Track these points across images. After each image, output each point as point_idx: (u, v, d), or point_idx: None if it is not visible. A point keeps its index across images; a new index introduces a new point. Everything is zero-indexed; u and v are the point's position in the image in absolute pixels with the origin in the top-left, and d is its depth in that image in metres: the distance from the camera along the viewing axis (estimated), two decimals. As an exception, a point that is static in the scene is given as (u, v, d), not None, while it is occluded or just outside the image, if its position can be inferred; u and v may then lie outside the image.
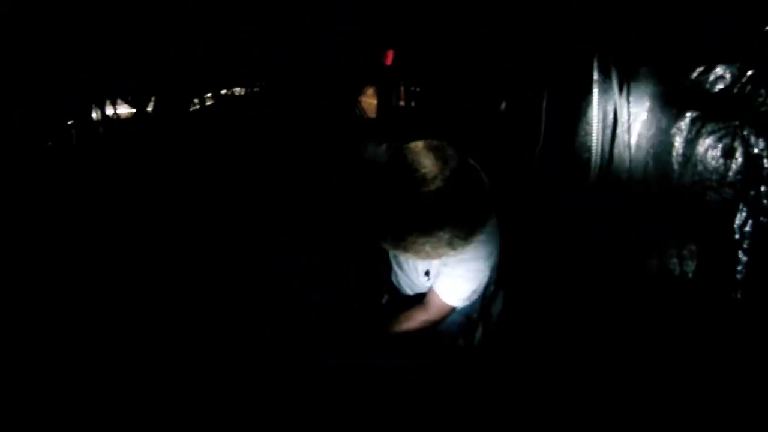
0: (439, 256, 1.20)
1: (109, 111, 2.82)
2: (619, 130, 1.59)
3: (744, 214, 1.23)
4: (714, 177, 1.31)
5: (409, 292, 1.71)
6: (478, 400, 1.56)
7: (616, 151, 1.61)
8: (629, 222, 1.54)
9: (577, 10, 1.67)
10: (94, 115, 2.60)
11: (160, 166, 2.53)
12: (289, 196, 2.33)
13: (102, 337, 1.63)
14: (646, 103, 1.53)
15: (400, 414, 1.48)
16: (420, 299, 1.56)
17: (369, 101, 2.98)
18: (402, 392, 1.52)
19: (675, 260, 1.41)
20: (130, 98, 2.69)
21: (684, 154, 1.39)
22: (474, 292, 1.47)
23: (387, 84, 2.27)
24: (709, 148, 1.33)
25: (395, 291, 1.79)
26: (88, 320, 1.66)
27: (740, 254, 1.24)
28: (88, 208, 1.98)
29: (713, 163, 1.32)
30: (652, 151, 1.50)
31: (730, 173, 1.28)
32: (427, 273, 1.56)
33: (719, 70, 1.33)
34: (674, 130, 1.42)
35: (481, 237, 1.27)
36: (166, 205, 2.36)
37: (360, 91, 3.01)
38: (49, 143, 1.99)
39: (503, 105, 2.11)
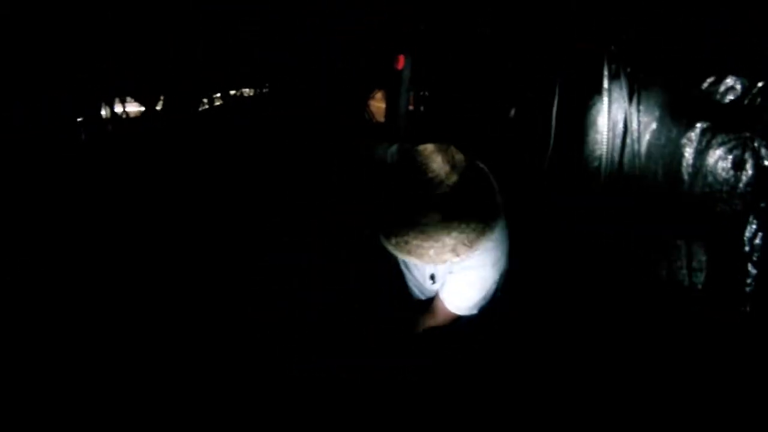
0: (443, 261, 1.19)
1: (118, 109, 2.84)
2: (628, 140, 1.58)
3: (754, 226, 1.23)
4: (724, 188, 1.31)
5: (418, 293, 1.70)
6: (480, 401, 1.55)
7: (625, 160, 1.61)
8: (638, 231, 1.54)
9: (587, 12, 1.68)
10: (103, 112, 2.63)
11: (163, 165, 2.55)
12: (289, 196, 2.33)
13: (102, 336, 1.63)
14: (656, 113, 1.52)
15: (400, 414, 1.47)
16: (427, 305, 1.55)
17: (378, 105, 2.98)
18: (402, 392, 1.50)
19: (684, 271, 1.41)
20: (139, 97, 2.72)
21: (694, 165, 1.39)
22: (481, 300, 1.44)
23: (398, 88, 2.28)
24: (719, 160, 1.33)
25: (404, 293, 1.78)
26: (88, 320, 1.66)
27: (750, 266, 1.23)
28: (91, 206, 1.98)
29: (723, 174, 1.32)
30: (661, 161, 1.50)
31: (740, 185, 1.28)
32: (432, 277, 1.54)
33: (730, 81, 1.33)
34: (684, 140, 1.42)
35: (487, 244, 1.25)
36: (167, 205, 2.37)
37: (368, 95, 3.02)
38: (53, 142, 1.99)
39: (512, 111, 2.11)
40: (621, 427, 1.46)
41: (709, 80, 1.38)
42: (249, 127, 3.40)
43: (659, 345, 1.47)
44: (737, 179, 1.28)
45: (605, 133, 1.61)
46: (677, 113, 1.46)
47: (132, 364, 1.55)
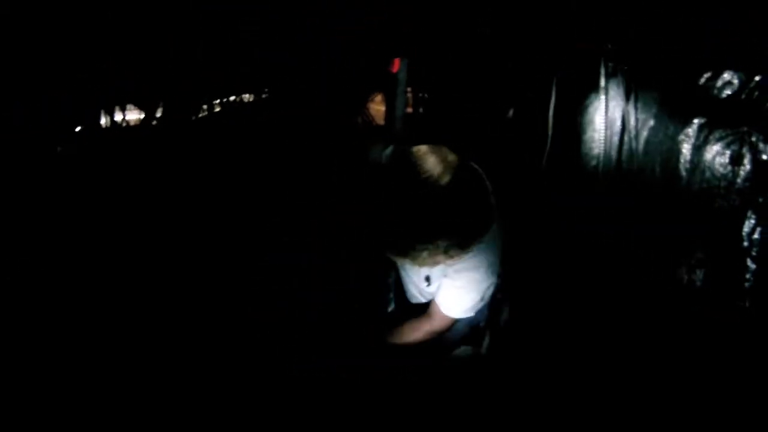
0: (436, 263, 1.19)
1: (118, 117, 2.85)
2: (626, 137, 1.58)
3: (752, 221, 1.22)
4: (722, 184, 1.31)
5: (416, 294, 1.70)
6: (480, 401, 1.54)
7: (623, 158, 1.60)
8: (637, 228, 1.53)
9: (583, 11, 1.68)
10: (103, 121, 2.64)
11: (163, 165, 2.56)
12: (289, 196, 2.33)
13: (102, 336, 1.62)
14: (654, 110, 1.52)
15: (400, 414, 1.47)
16: (425, 308, 1.55)
17: (377, 108, 2.98)
18: (402, 392, 1.50)
19: (683, 267, 1.40)
20: (139, 102, 2.73)
21: (692, 161, 1.39)
22: (476, 303, 1.44)
23: (394, 91, 2.27)
24: (716, 155, 1.33)
25: (403, 295, 1.78)
26: (88, 320, 1.66)
27: (749, 261, 1.22)
28: (91, 207, 1.99)
29: (721, 169, 1.31)
30: (659, 157, 1.49)
31: (738, 180, 1.27)
32: (427, 279, 1.54)
33: (727, 76, 1.32)
34: (682, 136, 1.42)
35: (480, 246, 1.24)
36: (167, 205, 2.37)
37: (367, 98, 3.02)
38: (55, 146, 2.00)
39: (510, 110, 2.11)
40: (621, 427, 1.45)
41: (706, 76, 1.38)
42: (249, 128, 3.42)
43: (659, 344, 1.46)
44: (735, 174, 1.28)
45: (603, 131, 1.61)
46: (674, 109, 1.46)
47: (132, 364, 1.55)
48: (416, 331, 1.53)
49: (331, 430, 1.43)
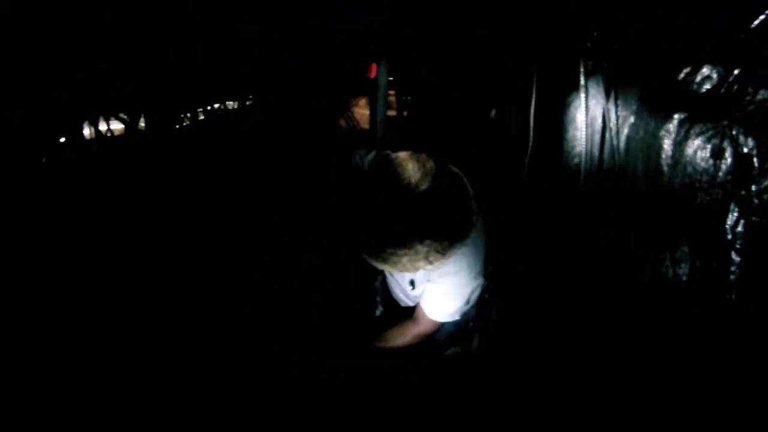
0: (416, 269, 1.19)
1: (102, 127, 2.83)
2: (607, 135, 1.58)
3: (735, 214, 1.21)
4: (704, 178, 1.30)
5: (402, 297, 1.70)
6: (479, 401, 1.54)
7: (605, 156, 1.60)
8: (621, 225, 1.52)
9: (560, 10, 1.68)
10: (86, 131, 2.61)
11: (163, 167, 2.55)
12: (289, 197, 2.34)
13: (102, 337, 1.63)
14: (634, 107, 1.52)
15: (399, 414, 1.47)
16: (412, 312, 1.55)
17: (362, 112, 2.98)
18: (402, 392, 1.51)
19: (668, 263, 1.39)
20: (122, 113, 2.70)
21: (673, 156, 1.38)
22: (461, 307, 1.45)
23: (374, 95, 2.27)
24: (698, 150, 1.32)
25: (390, 298, 1.78)
26: (88, 321, 1.66)
27: (733, 255, 1.21)
28: (92, 206, 1.99)
29: (703, 164, 1.30)
30: (641, 154, 1.49)
31: (720, 174, 1.26)
32: (412, 283, 1.55)
33: (706, 71, 1.32)
34: (663, 132, 1.41)
35: (463, 251, 1.26)
36: (168, 205, 2.37)
37: (351, 102, 3.02)
38: (40, 157, 1.99)
39: (492, 111, 2.10)
40: (621, 427, 1.44)
41: (686, 71, 1.37)
42: (248, 128, 3.42)
43: (653, 344, 1.44)
44: (717, 168, 1.27)
45: (584, 129, 1.61)
46: (655, 106, 1.46)
47: (132, 364, 1.55)
48: (403, 335, 1.53)
49: (331, 430, 1.43)
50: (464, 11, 2.12)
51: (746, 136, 1.21)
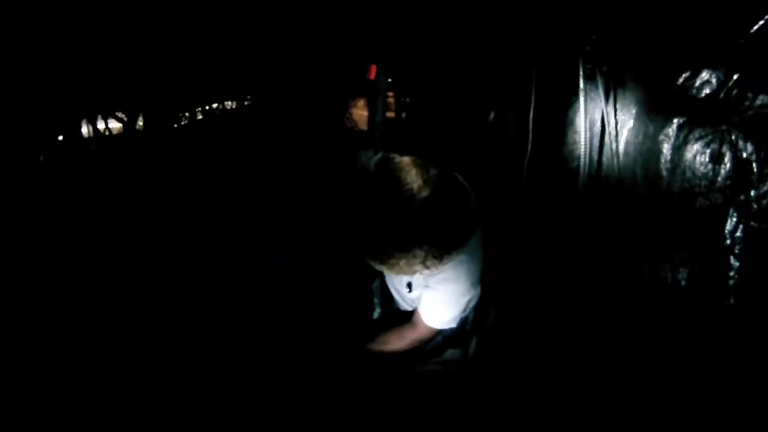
0: (413, 273, 1.21)
1: (100, 126, 2.82)
2: (606, 139, 1.58)
3: (734, 219, 1.21)
4: (703, 183, 1.30)
5: (399, 300, 1.71)
6: (479, 402, 1.54)
7: (604, 159, 1.60)
8: (620, 228, 1.52)
9: (559, 12, 1.67)
10: (84, 129, 2.60)
11: (154, 172, 2.55)
12: (289, 196, 2.34)
13: (102, 337, 1.62)
14: (633, 110, 1.52)
15: (399, 414, 1.48)
16: (409, 316, 1.55)
17: (360, 113, 2.98)
18: (402, 392, 1.52)
19: (667, 267, 1.38)
20: (120, 111, 2.69)
21: (672, 161, 1.38)
22: (457, 315, 1.46)
23: (373, 97, 2.27)
24: (697, 154, 1.32)
25: (388, 301, 1.78)
26: (88, 321, 1.65)
27: (732, 259, 1.21)
28: (82, 216, 1.98)
29: (702, 168, 1.30)
30: (640, 158, 1.49)
31: (719, 178, 1.26)
32: (409, 285, 1.56)
33: (705, 75, 1.32)
34: (662, 136, 1.41)
35: (461, 258, 1.28)
36: (168, 205, 2.37)
37: (350, 103, 3.02)
38: (42, 156, 1.99)
39: (491, 113, 2.10)
40: (621, 427, 1.44)
41: (685, 75, 1.37)
42: (248, 128, 3.42)
43: (653, 346, 1.44)
44: (716, 173, 1.27)
45: (583, 132, 1.60)
46: (654, 110, 1.46)
47: (132, 364, 1.54)
48: (401, 340, 1.53)
49: (331, 430, 1.43)
50: (464, 12, 2.12)
51: (745, 141, 1.21)
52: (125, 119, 2.71)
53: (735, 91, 1.25)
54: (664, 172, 1.39)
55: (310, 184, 2.17)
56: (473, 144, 2.12)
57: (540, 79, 1.76)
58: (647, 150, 1.45)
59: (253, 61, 2.66)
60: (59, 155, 2.18)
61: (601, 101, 1.56)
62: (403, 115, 2.84)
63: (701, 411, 1.28)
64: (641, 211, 1.47)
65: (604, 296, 1.59)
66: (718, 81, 1.29)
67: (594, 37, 1.58)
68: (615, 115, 1.55)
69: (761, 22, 1.17)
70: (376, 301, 1.85)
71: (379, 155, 1.52)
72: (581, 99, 1.60)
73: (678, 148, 1.36)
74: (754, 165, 1.19)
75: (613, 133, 1.54)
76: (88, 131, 2.66)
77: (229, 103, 3.56)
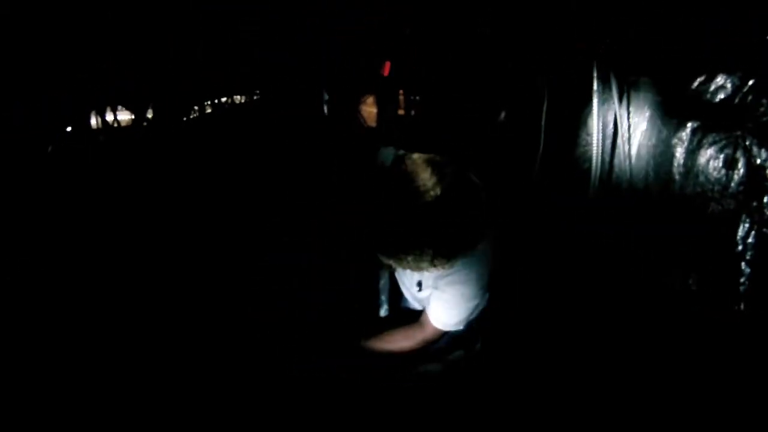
0: (421, 269, 1.22)
1: (109, 117, 2.83)
2: (619, 141, 1.57)
3: (747, 225, 1.21)
4: (716, 188, 1.30)
5: (409, 299, 1.72)
6: (479, 402, 1.54)
7: (616, 161, 1.59)
8: (630, 231, 1.52)
9: (575, 14, 1.67)
10: (93, 121, 2.61)
11: (162, 166, 2.55)
12: (289, 196, 2.34)
13: (102, 337, 1.62)
14: (647, 113, 1.51)
15: (399, 414, 1.48)
16: (417, 315, 1.56)
17: (369, 110, 2.98)
18: (402, 392, 1.51)
19: (678, 272, 1.39)
20: (129, 104, 2.70)
21: (685, 165, 1.38)
22: (465, 318, 1.47)
23: (386, 93, 2.27)
24: (710, 159, 1.32)
25: (395, 299, 1.79)
26: (88, 320, 1.66)
27: (743, 266, 1.21)
28: (85, 210, 1.98)
29: (715, 174, 1.30)
30: (652, 161, 1.48)
31: (733, 184, 1.26)
32: (419, 284, 1.56)
33: (720, 80, 1.31)
34: (675, 140, 1.41)
35: (471, 260, 1.29)
36: (167, 205, 2.37)
37: (360, 100, 3.02)
38: (50, 147, 1.99)
39: (503, 113, 2.10)
40: (621, 427, 1.44)
41: (700, 79, 1.37)
42: (248, 127, 3.41)
43: (657, 346, 1.45)
44: (729, 178, 1.27)
45: (595, 134, 1.60)
46: (667, 113, 1.45)
47: (132, 364, 1.55)
48: (408, 339, 1.54)
49: (331, 430, 1.43)
50: (476, 10, 2.11)
51: (759, 147, 1.21)
52: (134, 111, 2.72)
53: (750, 97, 1.25)
54: (677, 176, 1.39)
55: (311, 184, 2.17)
56: (483, 143, 2.12)
57: (553, 79, 1.75)
58: (660, 153, 1.45)
59: (259, 59, 2.67)
60: (68, 147, 2.19)
61: (614, 103, 1.56)
62: (412, 112, 2.84)
63: (702, 409, 1.29)
64: (652, 215, 1.47)
65: (613, 298, 1.59)
66: (733, 86, 1.29)
67: (608, 39, 1.58)
68: (628, 117, 1.55)
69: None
70: (383, 298, 1.85)
71: (397, 152, 1.52)
72: (594, 100, 1.59)
73: (691, 152, 1.36)
74: (767, 171, 1.19)
75: (626, 135, 1.54)
76: (97, 123, 2.67)
77: (238, 97, 3.56)
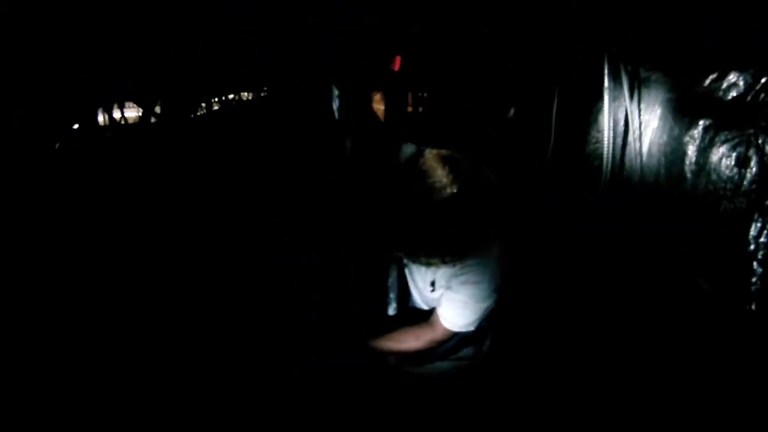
0: (430, 264, 1.25)
1: (117, 114, 2.83)
2: (630, 138, 1.57)
3: (759, 224, 1.21)
4: (728, 186, 1.29)
5: (418, 300, 1.70)
6: (480, 402, 1.55)
7: (627, 159, 1.59)
8: (641, 229, 1.52)
9: (587, 12, 1.66)
10: (101, 118, 2.62)
11: (163, 166, 2.55)
12: (289, 196, 2.34)
13: (102, 336, 1.62)
14: (658, 111, 1.51)
15: (399, 414, 1.48)
16: (426, 315, 1.56)
17: (376, 107, 2.97)
18: (402, 392, 1.52)
19: (689, 270, 1.38)
20: (137, 100, 2.70)
21: (697, 163, 1.37)
22: (476, 319, 1.46)
23: (395, 90, 2.27)
24: (722, 157, 1.31)
25: (404, 298, 1.78)
26: (88, 320, 1.66)
27: (755, 265, 1.21)
28: (90, 208, 1.99)
29: (727, 172, 1.30)
30: (664, 159, 1.48)
31: (745, 182, 1.25)
32: (432, 284, 1.55)
33: (732, 78, 1.31)
34: (686, 138, 1.40)
35: (483, 261, 1.31)
36: (167, 205, 2.37)
37: (370, 96, 3.01)
38: (54, 145, 2.00)
39: (512, 110, 2.09)
40: (622, 427, 1.45)
41: (712, 77, 1.36)
42: (248, 127, 3.41)
43: (660, 345, 1.45)
44: (741, 177, 1.26)
45: (606, 131, 1.60)
46: (679, 111, 1.45)
47: (132, 364, 1.55)
48: (417, 339, 1.54)
49: (331, 430, 1.44)
50: (483, 8, 2.10)
51: (772, 145, 1.21)
52: (142, 109, 2.72)
53: (763, 95, 1.25)
54: (689, 174, 1.39)
55: (311, 184, 2.18)
56: (492, 141, 2.12)
57: (564, 76, 1.75)
58: (671, 151, 1.45)
59: (256, 60, 2.67)
60: (75, 144, 2.19)
61: (625, 100, 1.55)
62: (420, 109, 2.84)
63: (702, 409, 1.30)
64: (664, 213, 1.46)
65: (621, 298, 1.60)
66: (745, 84, 1.29)
67: (620, 37, 1.57)
68: (639, 115, 1.54)
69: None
70: (392, 296, 1.85)
71: (416, 148, 1.52)
72: (605, 98, 1.59)
73: (703, 150, 1.36)
74: (780, 170, 1.19)
75: (637, 132, 1.54)
76: (104, 120, 2.68)
77: (245, 94, 3.56)
